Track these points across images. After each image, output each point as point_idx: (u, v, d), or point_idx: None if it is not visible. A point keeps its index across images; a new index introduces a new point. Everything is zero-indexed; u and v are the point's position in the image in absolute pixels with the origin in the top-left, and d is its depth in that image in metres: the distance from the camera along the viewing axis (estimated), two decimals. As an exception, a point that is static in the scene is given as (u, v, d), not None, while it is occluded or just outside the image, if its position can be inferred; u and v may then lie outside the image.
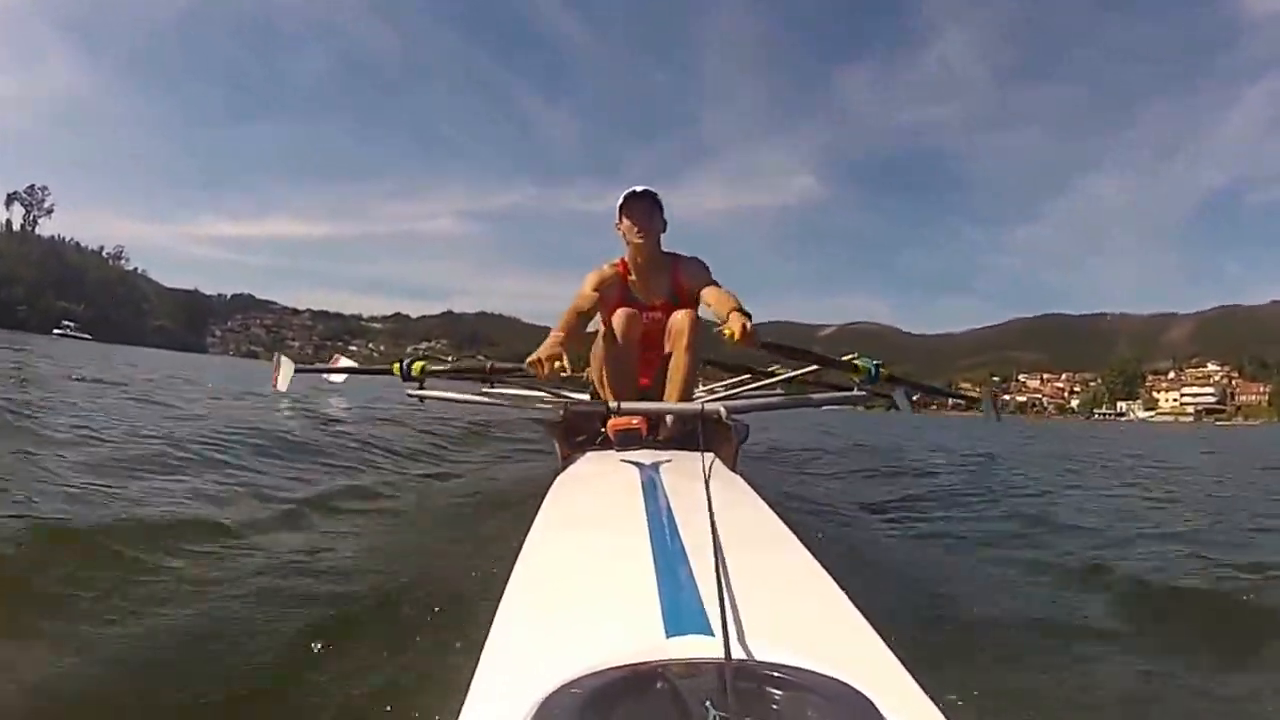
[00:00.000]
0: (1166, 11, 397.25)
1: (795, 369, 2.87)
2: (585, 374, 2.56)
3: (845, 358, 2.46)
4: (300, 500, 2.36)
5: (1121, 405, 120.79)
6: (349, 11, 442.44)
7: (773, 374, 3.19)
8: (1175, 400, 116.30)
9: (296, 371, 3.84)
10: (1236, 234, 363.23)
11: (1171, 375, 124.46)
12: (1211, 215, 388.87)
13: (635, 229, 2.36)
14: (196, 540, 1.75)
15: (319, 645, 1.21)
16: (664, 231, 2.46)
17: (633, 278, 2.47)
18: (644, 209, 2.37)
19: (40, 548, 1.52)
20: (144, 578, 1.48)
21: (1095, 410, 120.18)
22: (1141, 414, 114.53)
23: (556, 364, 2.02)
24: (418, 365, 2.96)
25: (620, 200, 2.38)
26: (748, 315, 2.12)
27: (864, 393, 2.53)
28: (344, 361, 4.32)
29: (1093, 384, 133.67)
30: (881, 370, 2.49)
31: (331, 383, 4.60)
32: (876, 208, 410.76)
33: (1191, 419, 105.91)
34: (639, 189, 2.37)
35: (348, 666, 1.15)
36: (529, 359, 2.07)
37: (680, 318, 2.30)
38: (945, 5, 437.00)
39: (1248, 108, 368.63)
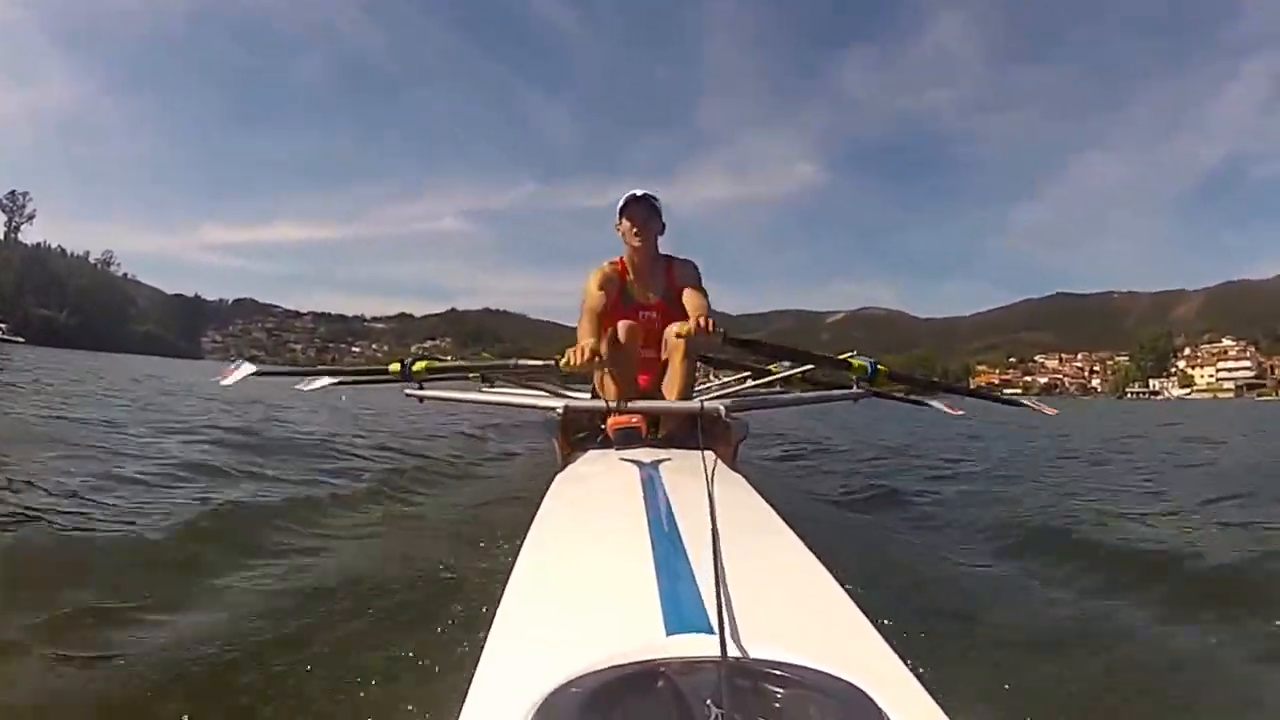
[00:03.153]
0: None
1: (793, 367, 2.83)
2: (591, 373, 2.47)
3: (843, 356, 2.42)
4: (294, 502, 2.37)
5: (1154, 383, 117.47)
6: (343, 13, 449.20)
7: (772, 372, 3.12)
8: (1211, 376, 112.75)
9: (260, 374, 3.54)
10: (1240, 208, 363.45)
11: (1188, 352, 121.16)
12: (1214, 190, 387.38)
13: (634, 231, 2.39)
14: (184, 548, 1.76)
15: (319, 648, 1.22)
16: (662, 234, 2.48)
17: (630, 278, 2.49)
18: (643, 212, 2.40)
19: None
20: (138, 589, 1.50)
21: (1127, 389, 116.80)
22: (1177, 391, 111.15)
23: (593, 355, 1.99)
24: (420, 364, 2.80)
25: (620, 202, 2.40)
26: (712, 320, 2.05)
27: (863, 391, 2.46)
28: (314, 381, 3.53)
29: (1109, 363, 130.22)
30: (880, 368, 2.43)
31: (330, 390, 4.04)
32: (878, 192, 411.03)
33: (1231, 394, 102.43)
34: (639, 192, 2.39)
35: (348, 667, 1.15)
36: (566, 354, 2.03)
37: (676, 328, 2.23)
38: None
39: (1246, 82, 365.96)
